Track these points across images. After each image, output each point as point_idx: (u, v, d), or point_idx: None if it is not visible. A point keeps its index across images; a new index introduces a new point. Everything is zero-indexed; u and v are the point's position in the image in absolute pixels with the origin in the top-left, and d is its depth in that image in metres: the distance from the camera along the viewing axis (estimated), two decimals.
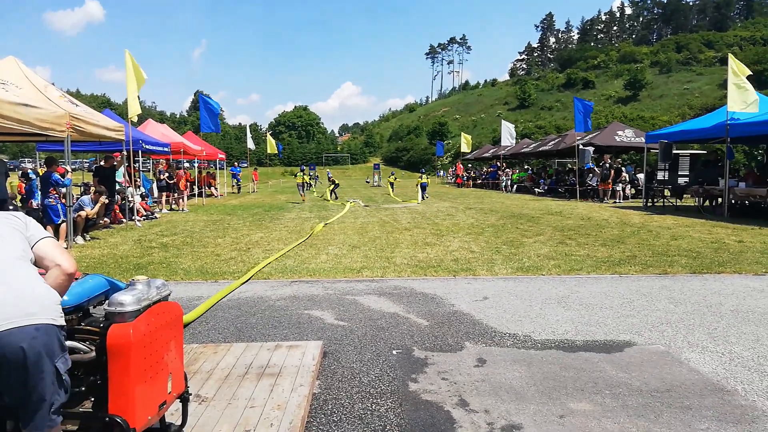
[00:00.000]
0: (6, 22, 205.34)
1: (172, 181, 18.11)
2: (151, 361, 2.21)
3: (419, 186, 23.56)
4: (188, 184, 20.20)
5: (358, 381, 3.59)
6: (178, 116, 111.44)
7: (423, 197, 22.74)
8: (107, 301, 2.23)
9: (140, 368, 2.12)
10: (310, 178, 27.06)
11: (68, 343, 2.30)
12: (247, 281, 6.64)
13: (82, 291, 2.38)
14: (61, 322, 2.00)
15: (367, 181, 46.23)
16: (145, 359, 2.15)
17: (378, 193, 30.05)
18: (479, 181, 36.87)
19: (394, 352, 4.15)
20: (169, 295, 2.51)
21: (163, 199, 17.60)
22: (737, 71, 13.51)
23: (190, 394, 2.77)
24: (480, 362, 3.91)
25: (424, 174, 25.81)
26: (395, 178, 30.74)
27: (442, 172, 56.61)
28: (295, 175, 30.33)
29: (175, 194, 18.26)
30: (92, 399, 2.25)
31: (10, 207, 9.89)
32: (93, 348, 2.28)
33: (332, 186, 25.29)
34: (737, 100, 13.34)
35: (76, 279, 2.49)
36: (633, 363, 3.86)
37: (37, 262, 2.15)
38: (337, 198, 23.93)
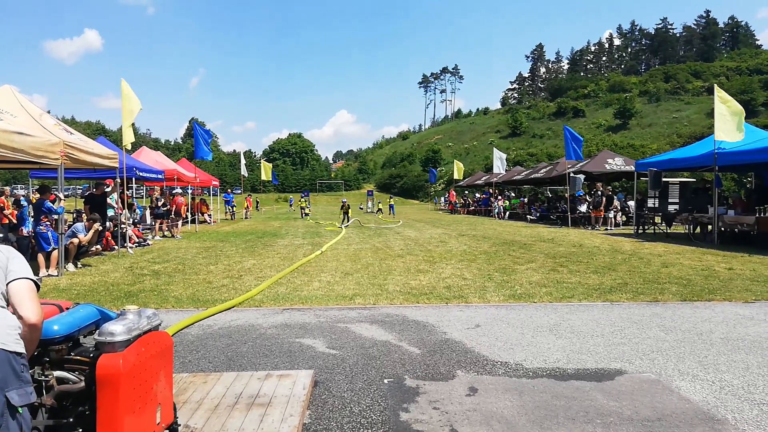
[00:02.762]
0: (6, 50, 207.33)
1: (165, 208, 18.10)
2: (141, 391, 2.20)
3: (389, 206, 36.21)
4: (184, 209, 20.20)
5: (348, 411, 3.57)
6: (172, 143, 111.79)
7: (393, 213, 34.99)
8: (98, 331, 2.24)
9: (129, 399, 2.12)
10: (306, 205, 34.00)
11: (57, 373, 2.30)
12: (236, 306, 6.62)
13: (73, 321, 2.39)
14: (16, 348, 1.89)
15: (360, 208, 46.47)
16: (134, 390, 2.15)
17: (371, 219, 30.73)
18: (472, 208, 37.07)
19: (386, 381, 4.13)
20: (159, 324, 2.51)
21: (157, 226, 17.56)
22: (726, 100, 13.78)
23: (179, 425, 2.76)
24: (471, 391, 3.90)
25: (392, 198, 41.02)
26: (381, 204, 39.89)
27: (443, 198, 57.12)
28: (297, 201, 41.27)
29: (169, 221, 18.23)
30: (80, 430, 2.23)
31: (0, 235, 9.85)
32: (82, 378, 2.28)
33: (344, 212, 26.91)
34: (724, 130, 13.60)
35: (67, 309, 2.50)
36: (624, 391, 3.87)
37: (8, 301, 2.09)
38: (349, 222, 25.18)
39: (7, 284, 2.10)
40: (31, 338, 2.04)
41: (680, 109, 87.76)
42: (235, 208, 33.58)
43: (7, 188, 16.42)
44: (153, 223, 17.65)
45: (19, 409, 1.83)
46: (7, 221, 11.85)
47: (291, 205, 51.21)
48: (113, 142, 19.62)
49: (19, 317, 2.02)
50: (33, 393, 1.93)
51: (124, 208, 13.39)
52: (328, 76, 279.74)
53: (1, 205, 12.42)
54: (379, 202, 40.38)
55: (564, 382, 4.08)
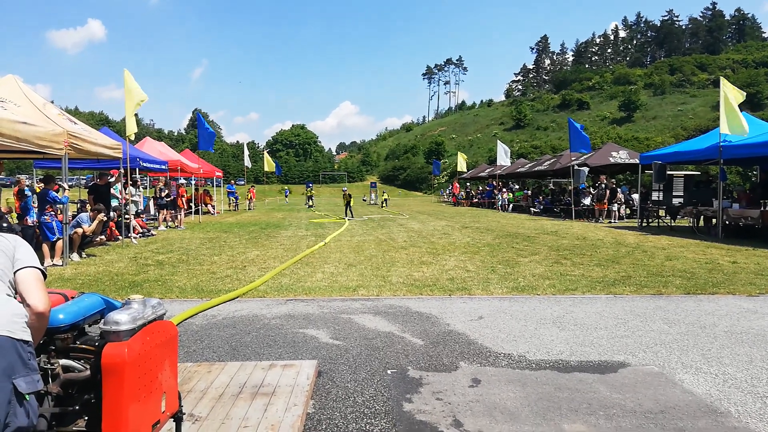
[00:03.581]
0: (9, 40, 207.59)
1: (169, 199, 18.12)
2: (146, 380, 2.21)
3: (383, 200, 37.62)
4: (185, 201, 20.22)
5: (352, 401, 3.58)
6: (176, 134, 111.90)
7: (385, 204, 36.45)
8: (103, 320, 2.24)
9: (134, 387, 2.12)
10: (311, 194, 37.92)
11: (63, 361, 2.31)
12: (240, 296, 6.64)
13: (78, 309, 2.39)
14: (23, 336, 1.90)
15: (363, 199, 46.51)
16: (139, 378, 2.16)
17: (374, 210, 30.79)
18: (475, 200, 37.03)
19: (389, 371, 4.14)
20: (164, 314, 2.52)
21: (161, 216, 17.59)
22: (729, 95, 13.67)
23: (184, 414, 2.77)
24: (475, 382, 3.91)
25: (385, 193, 40.43)
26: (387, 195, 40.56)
27: (447, 190, 57.19)
28: (303, 194, 44.90)
29: (173, 211, 18.26)
30: (86, 418, 2.24)
31: (5, 224, 9.88)
32: (88, 366, 2.29)
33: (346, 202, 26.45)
34: (729, 123, 13.50)
35: (72, 298, 2.51)
36: (627, 384, 3.87)
37: (15, 290, 2.10)
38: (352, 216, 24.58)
39: (14, 273, 2.12)
40: (38, 326, 2.05)
41: (685, 102, 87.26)
42: (238, 200, 33.66)
43: (23, 177, 16.46)
44: (157, 213, 17.68)
45: (26, 396, 1.84)
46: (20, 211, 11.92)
47: (287, 196, 51.64)
48: (117, 132, 19.60)
49: (27, 305, 2.02)
50: (40, 381, 1.94)
51: (128, 186, 13.36)
52: (332, 68, 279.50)
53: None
54: (384, 192, 41.94)
55: (567, 374, 4.08)
